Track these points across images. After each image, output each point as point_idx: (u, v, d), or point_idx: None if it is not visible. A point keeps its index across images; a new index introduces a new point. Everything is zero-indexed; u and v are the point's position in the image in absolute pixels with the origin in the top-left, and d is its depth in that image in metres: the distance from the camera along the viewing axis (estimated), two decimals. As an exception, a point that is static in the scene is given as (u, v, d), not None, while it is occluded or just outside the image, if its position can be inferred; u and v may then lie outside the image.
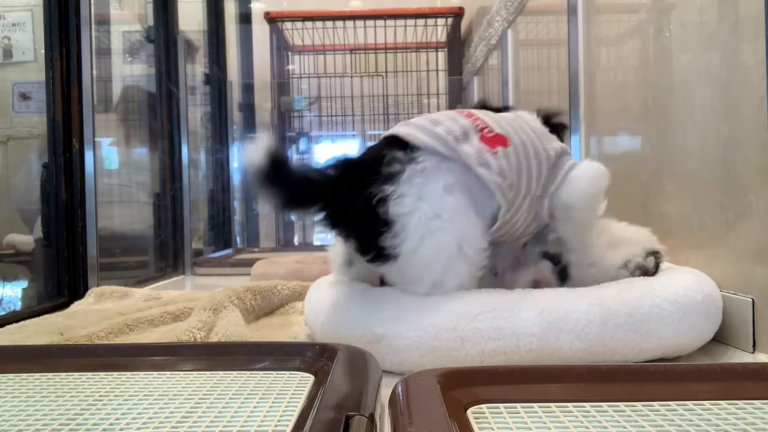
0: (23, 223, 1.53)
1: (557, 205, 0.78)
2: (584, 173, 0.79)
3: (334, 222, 0.73)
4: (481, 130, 0.74)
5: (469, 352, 0.68)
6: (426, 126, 0.74)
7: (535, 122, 0.81)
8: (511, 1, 1.92)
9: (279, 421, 0.44)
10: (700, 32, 0.86)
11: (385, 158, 0.71)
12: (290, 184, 0.70)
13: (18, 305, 1.38)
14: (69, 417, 0.46)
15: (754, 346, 0.74)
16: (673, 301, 0.70)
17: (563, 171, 0.79)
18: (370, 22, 2.78)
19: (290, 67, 2.99)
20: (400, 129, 0.75)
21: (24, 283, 1.45)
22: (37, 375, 0.57)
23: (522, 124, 0.78)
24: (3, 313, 1.28)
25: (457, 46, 2.89)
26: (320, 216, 0.72)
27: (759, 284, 0.73)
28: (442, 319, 0.69)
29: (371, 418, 0.42)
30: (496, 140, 0.74)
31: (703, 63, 0.84)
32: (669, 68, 0.96)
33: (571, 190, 0.78)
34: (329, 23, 2.77)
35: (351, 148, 2.95)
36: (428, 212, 0.70)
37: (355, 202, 0.70)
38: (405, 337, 0.69)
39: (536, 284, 0.78)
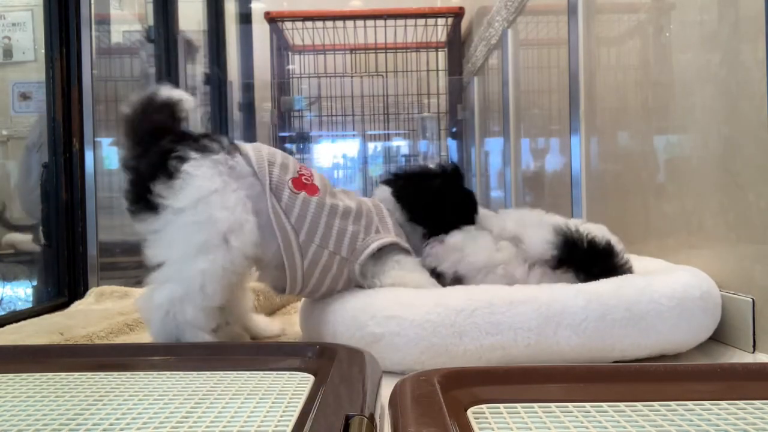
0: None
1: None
2: None
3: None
4: (301, 175, 0.80)
5: (467, 348, 0.68)
6: (260, 147, 0.80)
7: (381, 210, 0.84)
8: (511, 1, 1.92)
9: (279, 421, 0.44)
10: (700, 32, 0.86)
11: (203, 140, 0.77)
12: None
13: (30, 303, 1.38)
14: (69, 417, 0.46)
15: (754, 346, 0.74)
16: (671, 297, 0.70)
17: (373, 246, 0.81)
18: (370, 22, 2.78)
19: (290, 67, 2.99)
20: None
21: (31, 282, 1.45)
22: (37, 375, 0.57)
23: (365, 201, 0.84)
24: (3, 312, 1.29)
25: (457, 46, 2.89)
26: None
27: (759, 284, 0.73)
28: (439, 315, 0.69)
29: (371, 418, 0.42)
30: (306, 187, 0.79)
31: (703, 63, 0.84)
32: (669, 68, 0.96)
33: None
34: (329, 23, 2.77)
35: (351, 147, 2.95)
36: (212, 190, 0.73)
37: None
38: (403, 335, 0.69)
39: None
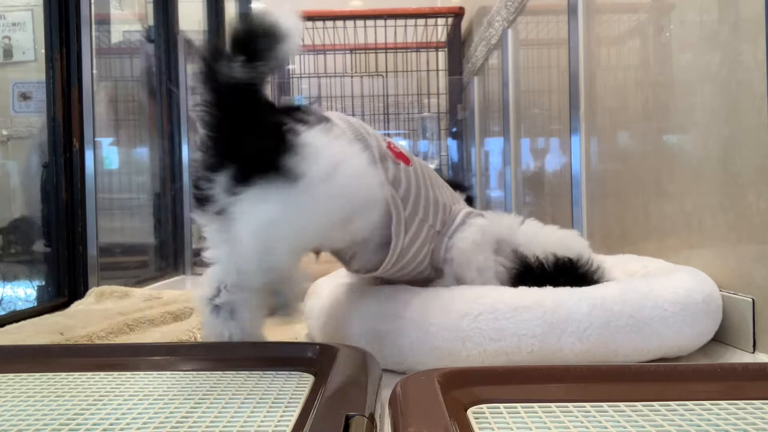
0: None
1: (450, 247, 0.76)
2: (473, 224, 0.78)
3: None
4: (389, 143, 0.73)
5: (470, 353, 0.68)
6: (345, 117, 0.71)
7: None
8: (511, 1, 1.92)
9: (279, 421, 0.44)
10: (700, 32, 0.86)
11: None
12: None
13: (34, 303, 1.38)
14: (69, 417, 0.46)
15: (754, 346, 0.74)
16: (674, 302, 0.70)
17: (460, 216, 0.78)
18: (370, 22, 2.78)
19: (290, 66, 2.99)
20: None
21: (35, 282, 1.44)
22: (37, 375, 0.57)
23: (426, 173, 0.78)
24: (3, 312, 1.28)
25: (457, 45, 2.89)
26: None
27: (759, 284, 0.73)
28: (443, 318, 0.69)
29: (371, 418, 0.42)
30: (400, 156, 0.73)
31: (704, 63, 0.84)
32: (669, 68, 0.96)
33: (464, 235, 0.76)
34: (329, 23, 2.77)
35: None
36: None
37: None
38: (406, 337, 0.69)
39: None
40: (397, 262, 0.74)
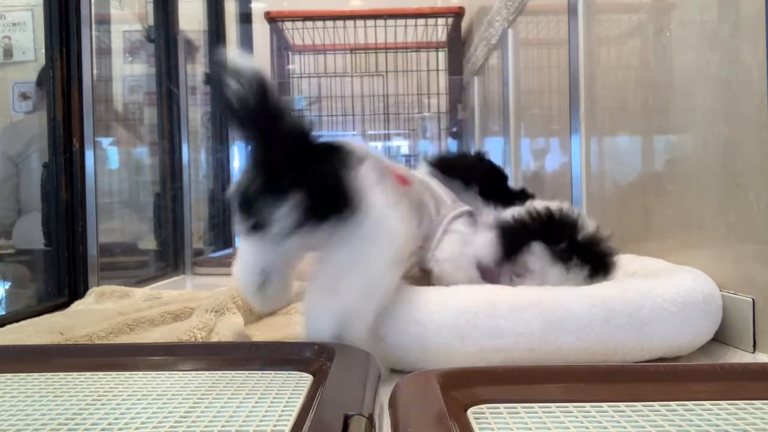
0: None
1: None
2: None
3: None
4: (393, 169, 0.77)
5: (468, 350, 0.68)
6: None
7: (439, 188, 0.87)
8: (511, 1, 1.92)
9: (278, 421, 0.44)
10: (700, 32, 0.86)
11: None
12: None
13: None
14: (68, 417, 0.45)
15: (754, 346, 0.74)
16: (674, 302, 0.70)
17: (443, 225, 0.82)
18: (370, 22, 2.78)
19: (290, 66, 2.99)
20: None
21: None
22: (36, 375, 0.57)
23: (429, 183, 0.86)
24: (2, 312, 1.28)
25: (457, 45, 2.89)
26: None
27: (759, 284, 0.73)
28: (442, 316, 0.69)
29: (370, 418, 0.42)
30: (402, 180, 0.77)
31: (704, 63, 0.84)
32: (669, 68, 0.96)
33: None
34: (329, 23, 2.77)
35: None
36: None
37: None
38: (405, 334, 0.69)
39: None
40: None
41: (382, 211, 0.65)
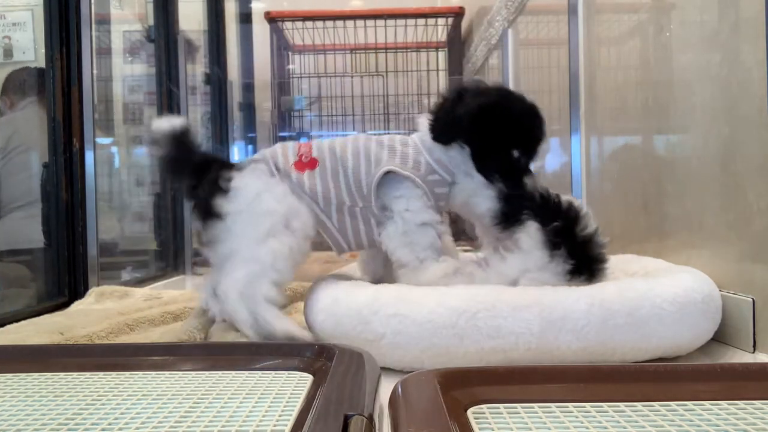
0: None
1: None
2: None
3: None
4: (300, 156, 0.89)
5: (468, 350, 0.68)
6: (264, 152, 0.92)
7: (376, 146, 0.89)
8: (511, 1, 1.92)
9: (278, 421, 0.44)
10: (700, 32, 0.86)
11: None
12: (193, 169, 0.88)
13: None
14: (68, 417, 0.45)
15: (754, 346, 0.74)
16: (673, 302, 0.70)
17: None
18: (370, 22, 2.78)
19: (290, 66, 2.98)
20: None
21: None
22: (36, 375, 0.57)
23: (356, 146, 0.89)
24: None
25: (457, 45, 2.89)
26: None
27: (759, 284, 0.73)
28: (441, 316, 0.69)
29: (370, 418, 0.42)
30: (307, 165, 0.88)
31: (704, 63, 0.84)
32: (669, 68, 0.96)
33: None
34: (329, 23, 2.77)
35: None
36: (261, 189, 0.86)
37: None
38: (405, 334, 0.69)
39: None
40: (349, 241, 0.89)
41: (253, 196, 0.84)
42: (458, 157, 0.85)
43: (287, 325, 0.79)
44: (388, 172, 0.84)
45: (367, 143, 0.88)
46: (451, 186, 0.86)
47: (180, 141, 0.87)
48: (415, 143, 0.87)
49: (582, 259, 0.78)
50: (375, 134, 0.93)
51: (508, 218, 0.80)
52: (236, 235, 0.83)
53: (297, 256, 0.83)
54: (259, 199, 0.84)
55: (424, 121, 0.88)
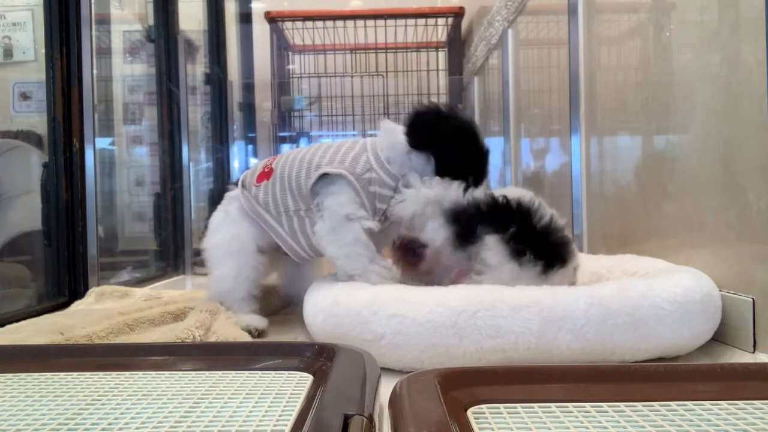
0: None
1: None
2: None
3: None
4: (264, 168, 0.98)
5: (467, 349, 0.68)
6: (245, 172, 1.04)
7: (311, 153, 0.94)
8: (511, 1, 1.92)
9: (278, 421, 0.44)
10: (700, 32, 0.86)
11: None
12: None
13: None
14: (68, 417, 0.45)
15: (754, 346, 0.74)
16: (672, 301, 0.70)
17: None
18: (370, 22, 2.78)
19: (290, 66, 2.98)
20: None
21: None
22: (36, 375, 0.57)
23: (302, 153, 0.95)
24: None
25: (457, 45, 2.89)
26: None
27: (759, 284, 0.73)
28: (441, 315, 0.69)
29: (370, 418, 0.42)
30: (265, 176, 0.97)
31: (704, 62, 0.84)
32: (669, 68, 0.96)
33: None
34: (329, 23, 2.77)
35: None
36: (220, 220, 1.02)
37: None
38: (404, 334, 0.69)
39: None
40: (304, 249, 0.96)
41: (210, 232, 1.01)
42: (415, 166, 0.88)
43: (244, 317, 0.92)
44: (324, 175, 0.88)
45: (314, 150, 0.94)
46: (395, 190, 0.88)
47: None
48: (364, 143, 0.92)
49: (548, 251, 0.78)
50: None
51: (465, 237, 0.80)
52: (207, 265, 1.00)
53: (250, 272, 0.96)
54: (212, 233, 1.00)
55: (388, 124, 0.92)
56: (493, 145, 2.45)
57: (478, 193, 0.82)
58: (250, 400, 0.48)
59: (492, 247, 0.78)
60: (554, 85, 1.58)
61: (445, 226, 0.81)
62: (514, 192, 0.82)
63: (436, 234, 0.82)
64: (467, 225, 0.79)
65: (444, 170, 0.86)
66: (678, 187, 0.92)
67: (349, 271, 0.86)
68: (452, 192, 0.83)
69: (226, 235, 0.97)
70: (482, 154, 0.88)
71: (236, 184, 1.02)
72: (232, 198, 1.01)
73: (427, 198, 0.84)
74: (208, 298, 1.00)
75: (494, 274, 0.78)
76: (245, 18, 2.81)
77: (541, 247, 0.78)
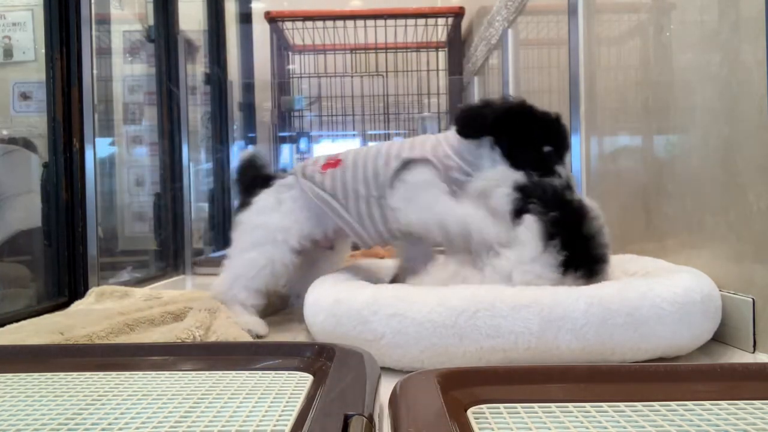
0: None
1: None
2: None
3: None
4: (328, 160, 0.99)
5: (467, 349, 0.68)
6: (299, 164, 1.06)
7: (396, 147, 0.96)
8: (511, 1, 1.92)
9: (278, 420, 0.44)
10: (700, 32, 0.86)
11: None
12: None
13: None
14: (68, 417, 0.45)
15: (754, 346, 0.74)
16: (672, 302, 0.70)
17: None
18: (370, 22, 2.78)
19: (290, 66, 2.98)
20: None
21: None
22: (36, 375, 0.57)
23: (379, 147, 0.97)
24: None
25: (457, 45, 2.89)
26: None
27: (759, 284, 0.73)
28: (441, 315, 0.69)
29: (370, 418, 0.42)
30: (331, 165, 0.98)
31: (704, 62, 0.84)
32: (669, 68, 0.96)
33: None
34: (329, 23, 2.77)
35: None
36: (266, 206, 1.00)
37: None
38: (404, 334, 0.69)
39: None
40: (370, 234, 0.95)
41: (256, 210, 0.99)
42: (484, 154, 0.90)
43: (247, 320, 0.92)
44: (407, 164, 0.91)
45: (387, 144, 0.97)
46: (467, 177, 0.90)
47: (250, 164, 1.06)
48: (436, 136, 0.95)
49: (580, 255, 0.78)
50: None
51: (518, 211, 0.82)
52: (232, 243, 0.98)
53: (277, 267, 0.95)
54: (258, 213, 0.98)
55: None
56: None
57: (547, 181, 0.84)
58: (250, 400, 0.48)
59: (528, 224, 0.79)
60: (554, 85, 1.58)
61: (510, 196, 0.83)
62: (587, 201, 0.85)
63: (501, 200, 0.84)
64: (524, 200, 0.81)
65: (510, 153, 0.89)
66: (678, 187, 0.92)
67: (425, 281, 0.87)
68: (515, 176, 0.85)
69: (274, 221, 0.96)
70: (548, 123, 0.91)
71: (288, 173, 1.02)
72: (286, 186, 1.00)
73: (492, 178, 0.87)
74: (222, 278, 0.98)
75: (516, 249, 0.79)
76: (245, 18, 2.81)
77: (576, 245, 0.78)
